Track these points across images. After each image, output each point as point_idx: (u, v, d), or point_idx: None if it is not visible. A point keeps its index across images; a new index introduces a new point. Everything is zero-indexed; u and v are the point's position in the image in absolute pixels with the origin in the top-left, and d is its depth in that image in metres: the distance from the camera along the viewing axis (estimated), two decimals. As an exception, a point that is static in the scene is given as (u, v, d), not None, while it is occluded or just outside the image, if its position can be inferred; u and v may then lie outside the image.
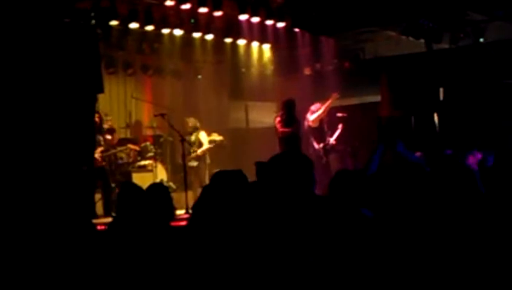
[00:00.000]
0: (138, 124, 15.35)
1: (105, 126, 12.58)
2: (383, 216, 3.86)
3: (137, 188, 5.54)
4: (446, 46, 14.46)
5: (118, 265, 4.51)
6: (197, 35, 14.26)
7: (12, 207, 7.99)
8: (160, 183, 5.48)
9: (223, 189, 4.31)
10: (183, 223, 8.05)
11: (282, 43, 15.12)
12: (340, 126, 13.74)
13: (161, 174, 13.27)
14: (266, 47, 15.82)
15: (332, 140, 13.60)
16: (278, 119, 12.61)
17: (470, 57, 14.02)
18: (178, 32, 13.77)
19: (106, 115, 13.70)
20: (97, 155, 11.91)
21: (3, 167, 8.94)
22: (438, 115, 13.68)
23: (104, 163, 12.18)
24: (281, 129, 12.55)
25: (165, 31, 13.69)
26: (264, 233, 3.70)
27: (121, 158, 13.18)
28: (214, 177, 4.46)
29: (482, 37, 14.21)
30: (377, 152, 4.23)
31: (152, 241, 4.57)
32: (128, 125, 14.25)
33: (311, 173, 3.91)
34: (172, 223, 5.40)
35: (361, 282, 3.53)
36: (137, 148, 13.43)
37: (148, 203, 4.83)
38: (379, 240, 3.63)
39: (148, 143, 13.91)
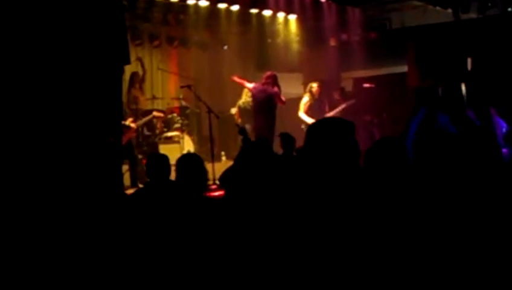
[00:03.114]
0: (165, 95, 15.36)
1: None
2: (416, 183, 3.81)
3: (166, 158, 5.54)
4: (474, 15, 14.32)
5: (150, 234, 4.55)
6: (222, 6, 14.22)
7: (40, 179, 8.05)
8: (195, 154, 5.47)
9: (251, 157, 4.31)
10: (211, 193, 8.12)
11: (308, 14, 15.02)
12: (343, 105, 13.55)
13: (188, 145, 13.31)
14: (292, 17, 15.71)
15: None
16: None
17: (498, 27, 13.86)
18: (203, 3, 13.74)
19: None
20: (133, 124, 11.99)
21: (31, 139, 9.01)
22: (466, 85, 13.55)
23: (136, 133, 12.27)
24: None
25: (191, 2, 13.69)
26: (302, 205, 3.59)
27: (148, 130, 13.23)
28: (242, 147, 4.47)
29: (510, 7, 14.05)
30: (417, 117, 4.08)
31: (184, 211, 4.60)
32: (154, 97, 14.28)
33: (352, 140, 3.64)
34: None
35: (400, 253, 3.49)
36: (161, 115, 13.46)
37: (182, 172, 4.85)
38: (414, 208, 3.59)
39: (174, 114, 13.94)
